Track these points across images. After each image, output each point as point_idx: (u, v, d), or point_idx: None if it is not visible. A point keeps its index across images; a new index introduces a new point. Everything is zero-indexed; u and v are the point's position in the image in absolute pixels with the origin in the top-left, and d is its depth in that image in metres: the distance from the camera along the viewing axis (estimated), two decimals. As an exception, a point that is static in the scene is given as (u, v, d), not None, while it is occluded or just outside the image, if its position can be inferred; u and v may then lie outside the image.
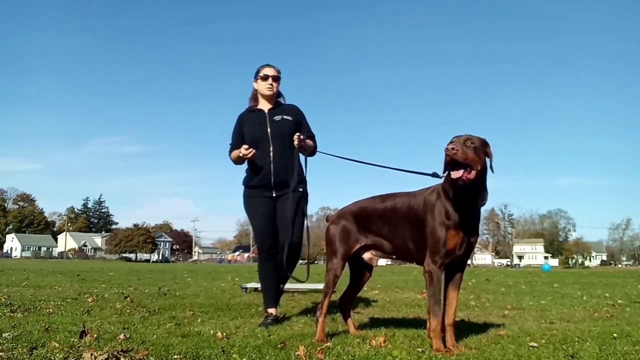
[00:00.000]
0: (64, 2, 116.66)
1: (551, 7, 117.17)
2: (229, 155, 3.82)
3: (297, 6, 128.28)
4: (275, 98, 3.84)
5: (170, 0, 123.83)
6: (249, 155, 3.56)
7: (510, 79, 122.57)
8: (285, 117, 3.75)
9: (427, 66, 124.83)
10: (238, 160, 3.73)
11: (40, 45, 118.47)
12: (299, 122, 3.79)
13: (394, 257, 2.99)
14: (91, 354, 2.32)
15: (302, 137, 3.59)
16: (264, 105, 3.82)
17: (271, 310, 3.72)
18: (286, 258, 3.53)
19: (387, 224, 2.92)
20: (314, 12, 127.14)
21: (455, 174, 2.46)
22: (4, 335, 2.84)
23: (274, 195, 3.69)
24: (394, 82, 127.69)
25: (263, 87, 3.77)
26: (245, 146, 3.57)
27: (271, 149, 3.66)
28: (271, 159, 3.65)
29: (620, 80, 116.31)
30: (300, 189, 3.71)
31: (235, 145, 3.76)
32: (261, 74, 3.77)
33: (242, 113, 3.88)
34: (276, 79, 3.78)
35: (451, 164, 2.48)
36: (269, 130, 3.69)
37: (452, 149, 2.44)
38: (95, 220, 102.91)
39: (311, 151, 3.74)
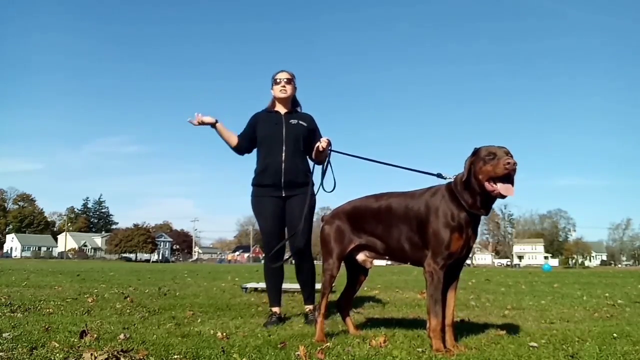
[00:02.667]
0: (65, 2, 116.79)
1: (551, 7, 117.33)
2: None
3: (299, 7, 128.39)
4: (291, 103, 3.94)
5: (171, 0, 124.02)
6: (195, 122, 3.78)
7: (510, 79, 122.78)
8: (301, 122, 3.88)
9: (427, 66, 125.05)
10: (232, 145, 3.90)
11: (42, 46, 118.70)
12: (313, 130, 3.90)
13: (387, 257, 2.98)
14: (91, 354, 2.32)
15: (328, 141, 3.61)
16: (281, 109, 3.93)
17: (275, 309, 3.82)
18: (296, 260, 3.76)
19: (381, 223, 2.91)
20: (314, 12, 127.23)
21: (509, 191, 2.43)
22: (4, 335, 2.84)
23: (283, 195, 3.77)
24: (393, 82, 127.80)
25: (277, 90, 3.89)
26: (198, 114, 3.79)
27: (284, 148, 3.76)
28: (283, 159, 3.75)
29: (620, 80, 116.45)
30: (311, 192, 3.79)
31: (239, 135, 3.93)
32: (275, 79, 3.90)
33: (257, 113, 4.00)
34: (289, 81, 3.88)
35: (503, 178, 2.43)
36: (284, 131, 3.80)
37: (515, 163, 2.40)
38: (95, 220, 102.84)
39: (323, 160, 3.79)
